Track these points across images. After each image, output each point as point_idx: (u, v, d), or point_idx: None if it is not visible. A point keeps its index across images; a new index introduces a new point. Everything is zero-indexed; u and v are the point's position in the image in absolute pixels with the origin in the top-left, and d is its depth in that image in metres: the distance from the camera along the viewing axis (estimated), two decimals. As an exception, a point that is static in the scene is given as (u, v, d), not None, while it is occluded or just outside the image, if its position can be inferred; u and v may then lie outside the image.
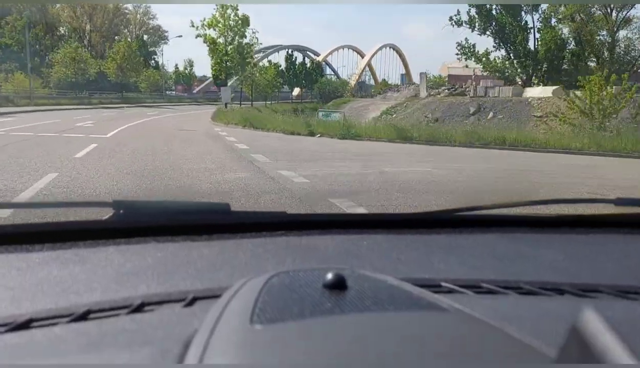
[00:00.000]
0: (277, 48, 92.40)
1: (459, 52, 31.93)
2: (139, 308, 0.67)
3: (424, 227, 1.20)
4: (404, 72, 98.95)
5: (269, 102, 55.97)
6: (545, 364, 0.38)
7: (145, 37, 69.79)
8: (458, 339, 0.44)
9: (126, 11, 69.83)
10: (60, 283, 0.79)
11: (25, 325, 0.61)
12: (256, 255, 0.97)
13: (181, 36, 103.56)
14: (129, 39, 63.47)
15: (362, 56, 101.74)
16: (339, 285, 0.53)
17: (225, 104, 35.53)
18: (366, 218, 1.29)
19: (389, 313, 0.49)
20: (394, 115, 27.44)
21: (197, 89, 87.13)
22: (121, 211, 1.01)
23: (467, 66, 35.70)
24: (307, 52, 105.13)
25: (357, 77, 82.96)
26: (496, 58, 32.48)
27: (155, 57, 70.61)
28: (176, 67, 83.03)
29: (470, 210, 1.32)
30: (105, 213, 1.02)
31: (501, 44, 32.57)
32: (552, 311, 0.71)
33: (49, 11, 58.73)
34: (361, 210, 5.15)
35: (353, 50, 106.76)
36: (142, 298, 0.71)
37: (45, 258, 0.90)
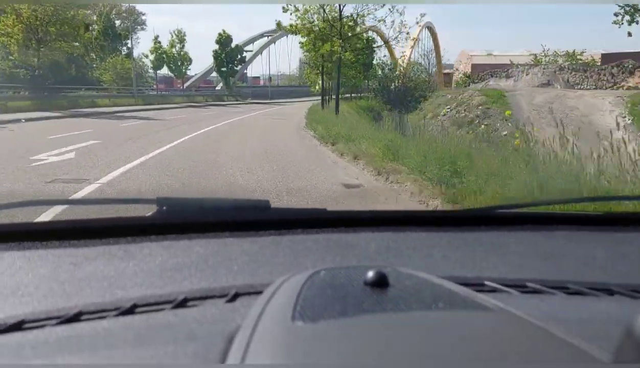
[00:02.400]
0: (285, 32, 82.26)
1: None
2: (183, 303, 0.69)
3: (465, 224, 1.18)
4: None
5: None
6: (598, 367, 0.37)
7: (117, 22, 47.51)
8: (504, 340, 0.43)
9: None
10: (107, 278, 0.81)
11: (75, 318, 0.64)
12: (296, 252, 0.97)
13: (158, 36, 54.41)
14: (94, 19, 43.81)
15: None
16: (380, 283, 0.53)
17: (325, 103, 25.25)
18: (407, 215, 1.27)
19: (432, 312, 0.48)
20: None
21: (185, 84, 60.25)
22: (164, 208, 1.03)
23: (491, 54, 32.57)
24: None
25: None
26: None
27: (127, 42, 47.19)
28: (156, 42, 50.02)
29: (512, 207, 1.29)
30: (149, 210, 1.05)
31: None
32: (602, 312, 0.68)
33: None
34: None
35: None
36: (186, 293, 0.72)
37: (93, 253, 0.93)
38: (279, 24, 20.60)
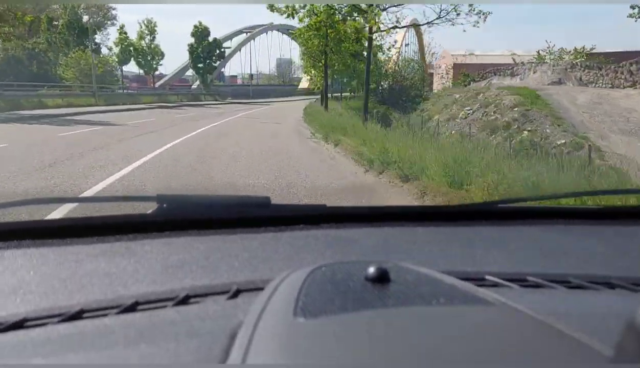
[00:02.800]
0: (265, 28, 75.46)
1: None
2: (185, 300, 0.69)
3: (465, 219, 1.18)
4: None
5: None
6: (601, 363, 0.37)
7: (85, 18, 38.09)
8: (505, 334, 0.43)
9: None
10: (108, 275, 0.81)
11: (77, 316, 0.64)
12: (296, 248, 0.97)
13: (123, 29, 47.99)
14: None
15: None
16: (381, 278, 0.53)
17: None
18: (407, 211, 1.27)
19: (434, 307, 0.48)
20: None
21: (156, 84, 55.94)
22: (164, 205, 1.03)
23: (473, 54, 31.35)
24: None
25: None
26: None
27: (95, 38, 41.55)
28: (121, 32, 44.93)
29: (512, 202, 1.29)
30: (149, 208, 1.05)
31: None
32: (603, 306, 0.68)
33: None
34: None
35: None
36: (188, 290, 0.72)
37: (94, 251, 0.93)
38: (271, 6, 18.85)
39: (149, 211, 1.05)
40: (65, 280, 0.79)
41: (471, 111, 19.47)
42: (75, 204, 3.85)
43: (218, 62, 52.90)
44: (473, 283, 0.61)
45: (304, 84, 68.15)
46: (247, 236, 1.04)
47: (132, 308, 0.66)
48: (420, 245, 1.03)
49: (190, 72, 58.95)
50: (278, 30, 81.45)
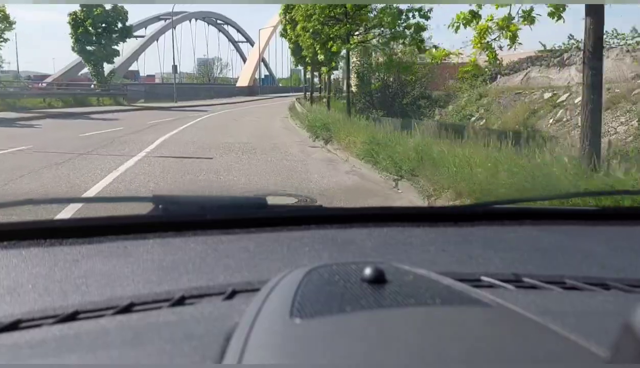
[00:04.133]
0: (187, 15, 62.17)
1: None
2: (180, 301, 0.69)
3: (461, 220, 1.18)
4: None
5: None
6: (597, 364, 0.37)
7: None
8: (501, 335, 0.43)
9: None
10: (104, 276, 0.81)
11: (72, 317, 0.64)
12: (293, 249, 0.97)
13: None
14: None
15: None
16: (378, 279, 0.53)
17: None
18: (403, 212, 1.27)
19: (430, 308, 0.48)
20: None
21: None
22: (160, 206, 1.03)
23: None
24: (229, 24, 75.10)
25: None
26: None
27: None
28: None
29: (508, 203, 1.29)
30: (145, 208, 1.05)
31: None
32: (599, 307, 0.69)
33: None
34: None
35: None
36: (183, 291, 0.72)
37: (89, 252, 0.93)
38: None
39: (145, 212, 1.04)
40: (60, 281, 0.79)
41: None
42: (70, 205, 3.84)
43: (121, 43, 32.76)
44: (469, 284, 0.61)
45: (243, 81, 60.31)
46: (244, 237, 1.03)
47: (127, 309, 0.66)
48: (416, 246, 1.03)
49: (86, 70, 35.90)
50: (203, 19, 70.43)
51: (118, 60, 38.02)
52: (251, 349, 0.41)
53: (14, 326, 0.61)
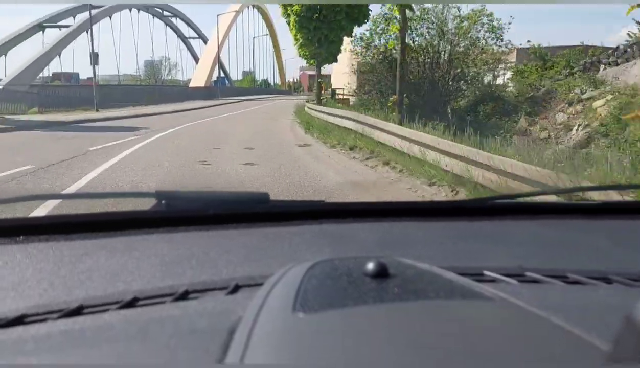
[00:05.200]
0: (121, 6, 48.97)
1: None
2: (184, 296, 0.69)
3: (463, 214, 1.18)
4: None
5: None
6: (599, 358, 0.36)
7: None
8: (503, 329, 0.43)
9: None
10: (108, 271, 0.81)
11: (76, 311, 0.64)
12: (295, 244, 0.98)
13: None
14: None
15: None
16: (381, 273, 0.53)
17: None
18: (405, 206, 1.27)
19: (433, 302, 0.48)
20: None
21: None
22: (163, 201, 1.04)
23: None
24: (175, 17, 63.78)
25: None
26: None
27: None
28: None
29: (510, 197, 1.29)
30: (148, 204, 1.05)
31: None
32: (601, 301, 0.69)
33: None
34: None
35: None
36: (187, 286, 0.72)
37: (93, 247, 0.93)
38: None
39: (148, 207, 1.05)
40: (64, 276, 0.79)
41: None
42: (74, 201, 3.84)
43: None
44: (471, 279, 0.61)
45: (198, 82, 53.68)
46: (246, 232, 1.04)
47: (131, 304, 0.66)
48: (418, 241, 1.03)
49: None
50: (147, 10, 58.07)
51: (27, 57, 29.57)
52: (254, 343, 0.41)
53: (18, 321, 0.61)
